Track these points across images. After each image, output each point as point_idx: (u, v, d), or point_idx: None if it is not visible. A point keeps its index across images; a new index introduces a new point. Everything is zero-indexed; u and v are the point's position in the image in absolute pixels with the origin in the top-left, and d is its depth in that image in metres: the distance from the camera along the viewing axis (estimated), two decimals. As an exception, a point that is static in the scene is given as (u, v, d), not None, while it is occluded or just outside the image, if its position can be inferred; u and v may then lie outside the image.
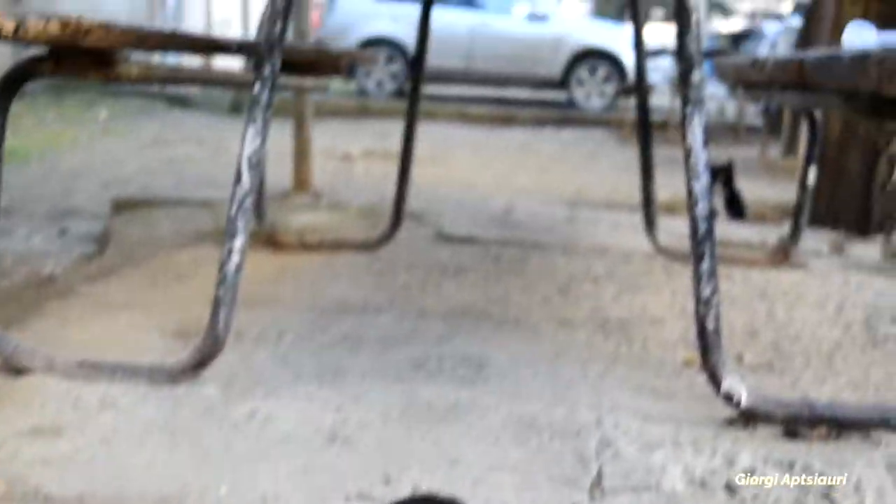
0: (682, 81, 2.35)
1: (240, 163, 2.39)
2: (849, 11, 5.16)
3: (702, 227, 2.30)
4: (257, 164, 2.40)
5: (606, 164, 9.21)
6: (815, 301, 3.50)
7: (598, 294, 3.48)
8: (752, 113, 13.58)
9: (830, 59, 2.28)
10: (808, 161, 3.94)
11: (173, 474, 2.07)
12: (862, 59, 2.06)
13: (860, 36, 2.28)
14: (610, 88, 16.57)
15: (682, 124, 2.33)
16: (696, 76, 2.33)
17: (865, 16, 5.12)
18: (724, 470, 2.11)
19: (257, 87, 2.42)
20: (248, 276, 2.54)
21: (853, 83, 2.12)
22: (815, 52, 2.60)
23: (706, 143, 2.32)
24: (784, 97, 3.11)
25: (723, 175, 5.72)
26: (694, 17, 2.33)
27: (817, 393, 2.60)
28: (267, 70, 2.42)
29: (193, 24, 19.12)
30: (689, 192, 2.32)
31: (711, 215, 2.31)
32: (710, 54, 11.67)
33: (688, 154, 2.32)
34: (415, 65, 4.07)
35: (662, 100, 13.17)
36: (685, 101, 2.33)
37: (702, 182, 2.30)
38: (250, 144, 2.40)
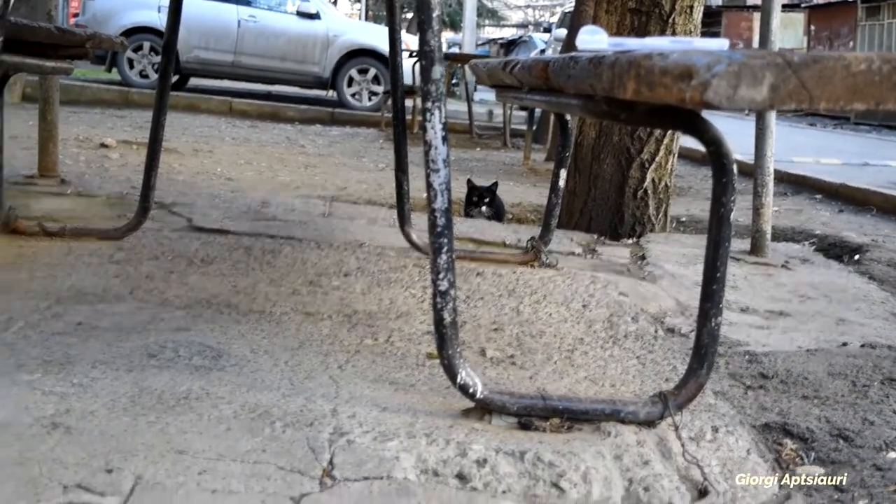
0: (423, 77, 2.35)
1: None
2: (605, 22, 5.34)
3: (440, 220, 2.31)
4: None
5: (371, 162, 9.24)
6: (562, 299, 3.59)
7: (348, 287, 3.46)
8: (520, 117, 13.93)
9: (569, 61, 2.33)
10: (558, 164, 4.04)
11: None
12: (596, 62, 2.11)
13: (592, 39, 2.34)
14: (380, 88, 16.65)
15: (423, 119, 2.33)
16: (435, 72, 2.34)
17: (621, 26, 5.31)
18: (457, 459, 2.12)
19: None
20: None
21: (589, 85, 2.18)
22: (557, 56, 2.65)
23: (445, 138, 2.33)
24: (533, 100, 3.17)
25: (489, 194, 5.85)
26: (435, 13, 2.34)
27: (555, 387, 2.65)
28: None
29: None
30: (429, 186, 2.32)
31: (449, 210, 2.32)
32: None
33: (427, 149, 2.33)
34: (165, 52, 3.94)
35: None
36: (425, 97, 2.33)
37: (441, 176, 2.31)
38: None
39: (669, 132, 5.25)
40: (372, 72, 16.93)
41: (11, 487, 1.87)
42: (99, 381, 2.33)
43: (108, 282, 3.27)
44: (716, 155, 2.22)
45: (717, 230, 2.25)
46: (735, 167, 2.24)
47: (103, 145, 8.02)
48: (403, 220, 4.20)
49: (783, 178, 9.10)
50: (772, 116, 4.91)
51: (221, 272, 3.51)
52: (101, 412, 2.18)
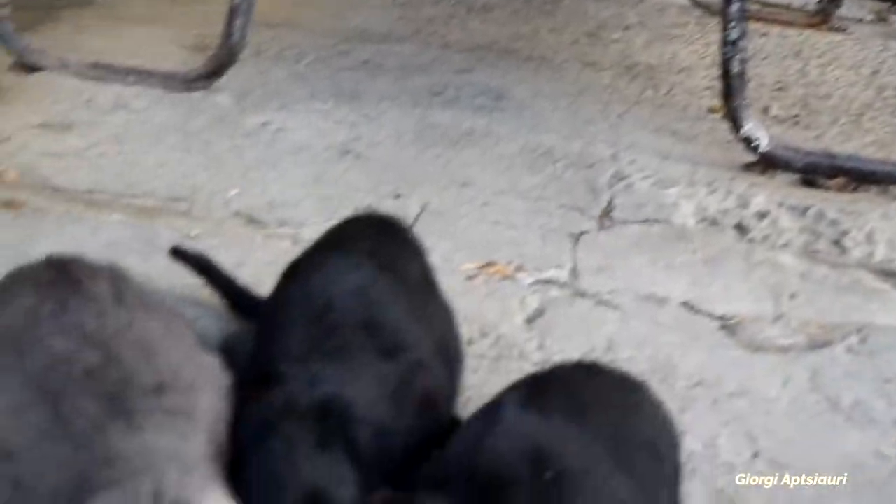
0: None
1: None
2: None
3: (736, -36, 2.20)
4: None
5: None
6: (850, 63, 3.40)
7: (628, 41, 3.38)
8: None
9: None
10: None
11: (184, 175, 2.06)
12: None
13: None
14: None
15: None
16: None
17: None
18: (737, 210, 2.09)
19: None
20: (271, -2, 2.48)
21: None
22: None
23: None
24: None
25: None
26: None
27: (841, 149, 2.55)
28: None
29: None
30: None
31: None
32: None
33: None
34: None
35: None
36: None
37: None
38: None
39: None
40: None
41: (310, 204, 1.99)
42: (386, 114, 2.40)
43: (392, 24, 3.32)
44: None
45: None
46: None
47: None
48: (687, -25, 4.03)
49: None
50: None
51: (501, 19, 3.49)
52: (388, 143, 2.26)
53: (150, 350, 1.18)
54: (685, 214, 2.06)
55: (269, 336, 1.33)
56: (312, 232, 1.54)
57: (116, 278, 1.29)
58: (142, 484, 1.01)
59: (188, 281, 1.68)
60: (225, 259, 1.71)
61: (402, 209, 1.96)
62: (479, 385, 1.53)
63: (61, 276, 1.26)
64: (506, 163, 2.21)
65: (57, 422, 1.10)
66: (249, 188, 2.03)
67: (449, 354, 1.38)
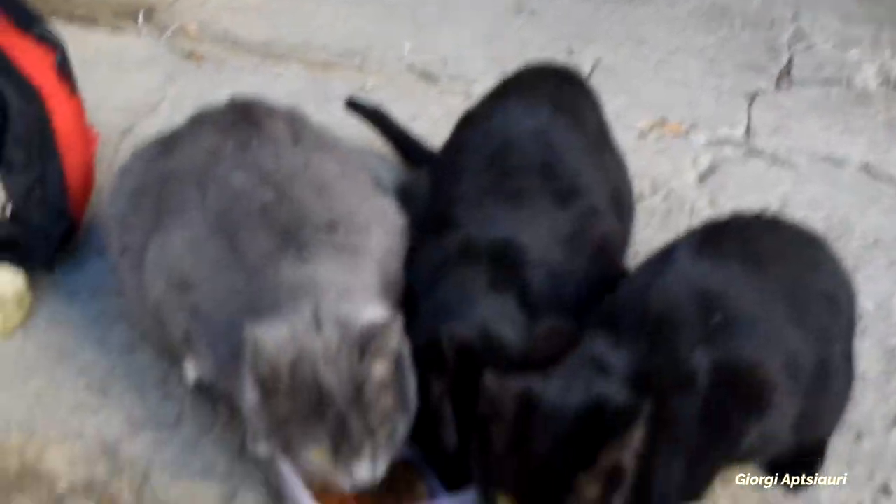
0: None
1: None
2: None
3: None
4: None
5: None
6: None
7: None
8: None
9: None
10: None
11: (358, 30, 2.08)
12: None
13: None
14: None
15: None
16: None
17: None
18: (923, 74, 2.01)
19: None
20: None
21: None
22: None
23: None
24: None
25: None
26: None
27: None
28: None
29: None
30: None
31: None
32: None
33: None
34: None
35: None
36: None
37: None
38: None
39: None
40: None
41: (482, 59, 1.99)
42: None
43: None
44: None
45: None
46: None
47: None
48: None
49: None
50: None
51: None
52: (562, -1, 2.23)
53: (325, 189, 1.21)
54: (867, 77, 1.99)
55: (446, 179, 1.34)
56: (484, 88, 1.54)
57: (295, 120, 1.32)
58: (303, 307, 1.06)
59: (363, 132, 1.71)
60: (398, 112, 1.73)
61: (575, 65, 1.95)
62: (648, 240, 1.53)
63: (243, 116, 1.29)
64: (681, 22, 2.17)
65: (233, 254, 1.14)
66: (423, 43, 2.04)
67: (621, 205, 1.38)
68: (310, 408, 1.01)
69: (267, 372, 1.01)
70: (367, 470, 1.04)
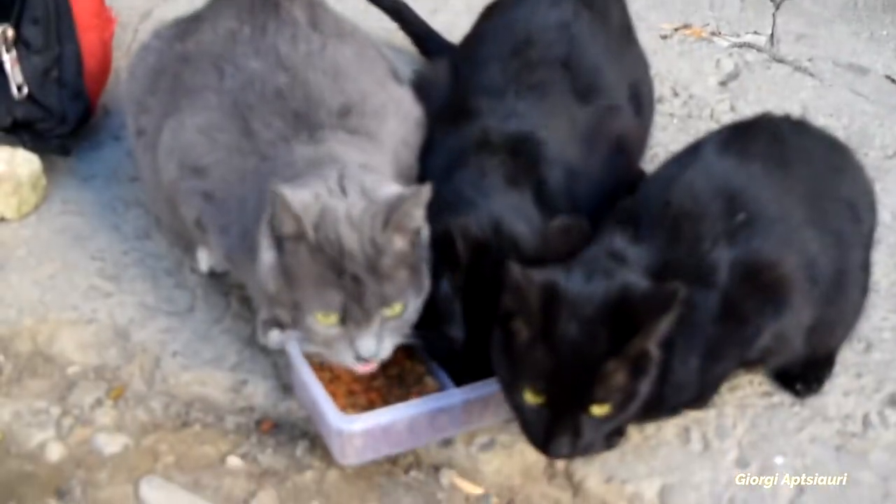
0: None
1: None
2: None
3: None
4: None
5: None
6: None
7: None
8: None
9: None
10: None
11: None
12: None
13: None
14: None
15: None
16: None
17: None
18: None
19: None
20: None
21: None
22: None
23: None
24: None
25: None
26: None
27: None
28: None
29: None
30: None
31: None
32: None
33: None
34: None
35: None
36: None
37: None
38: None
39: None
40: None
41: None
42: None
43: None
44: None
45: None
46: None
47: None
48: None
49: None
50: None
51: None
52: None
53: (340, 74, 1.20)
54: None
55: (466, 69, 1.32)
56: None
57: (314, 4, 1.30)
58: (328, 174, 1.05)
59: (384, 24, 1.69)
60: (419, 5, 1.71)
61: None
62: (667, 143, 1.52)
63: (263, 0, 1.28)
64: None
65: (246, 137, 1.14)
66: None
67: (641, 103, 1.36)
68: (327, 266, 1.01)
69: (291, 227, 1.00)
70: (373, 343, 1.04)
